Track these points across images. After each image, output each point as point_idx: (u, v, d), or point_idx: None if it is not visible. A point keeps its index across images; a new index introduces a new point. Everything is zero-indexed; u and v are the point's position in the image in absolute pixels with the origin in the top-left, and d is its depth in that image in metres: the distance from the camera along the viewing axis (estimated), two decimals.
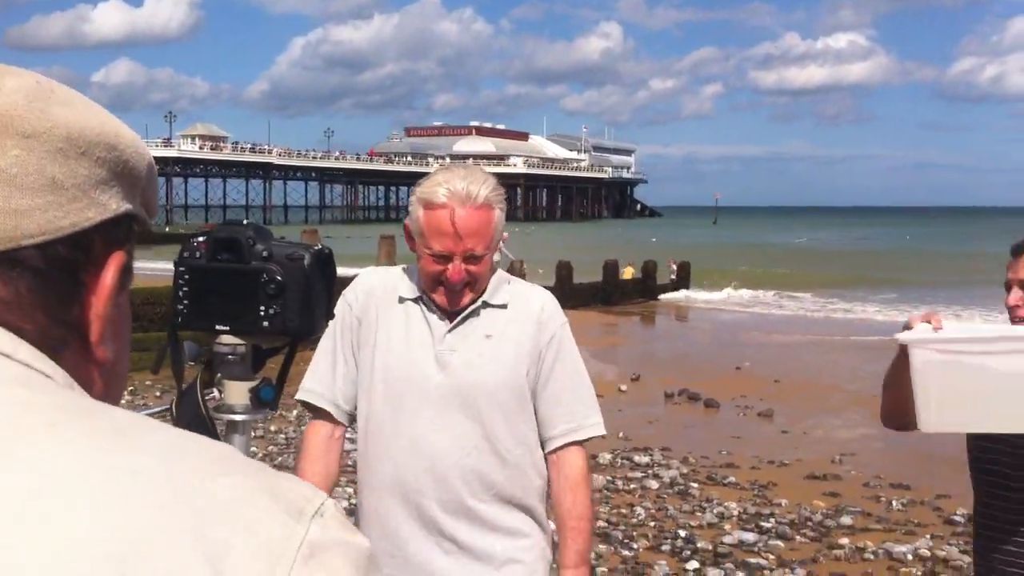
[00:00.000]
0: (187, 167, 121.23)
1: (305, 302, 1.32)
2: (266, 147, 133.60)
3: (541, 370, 2.49)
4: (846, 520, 7.59)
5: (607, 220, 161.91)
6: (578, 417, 2.52)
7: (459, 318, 2.46)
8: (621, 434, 10.60)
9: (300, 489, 0.66)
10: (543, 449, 2.53)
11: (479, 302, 2.47)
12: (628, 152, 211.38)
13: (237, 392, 1.39)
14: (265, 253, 1.32)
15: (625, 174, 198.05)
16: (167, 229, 74.44)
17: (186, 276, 1.35)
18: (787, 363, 17.01)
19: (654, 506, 7.95)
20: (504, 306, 2.49)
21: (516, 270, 24.80)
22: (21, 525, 0.58)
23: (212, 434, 1.35)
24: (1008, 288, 2.58)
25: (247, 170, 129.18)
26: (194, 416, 1.34)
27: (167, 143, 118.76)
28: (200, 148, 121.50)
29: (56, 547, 0.57)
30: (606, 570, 6.38)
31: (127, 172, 0.75)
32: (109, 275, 0.73)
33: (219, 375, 1.39)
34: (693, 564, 6.52)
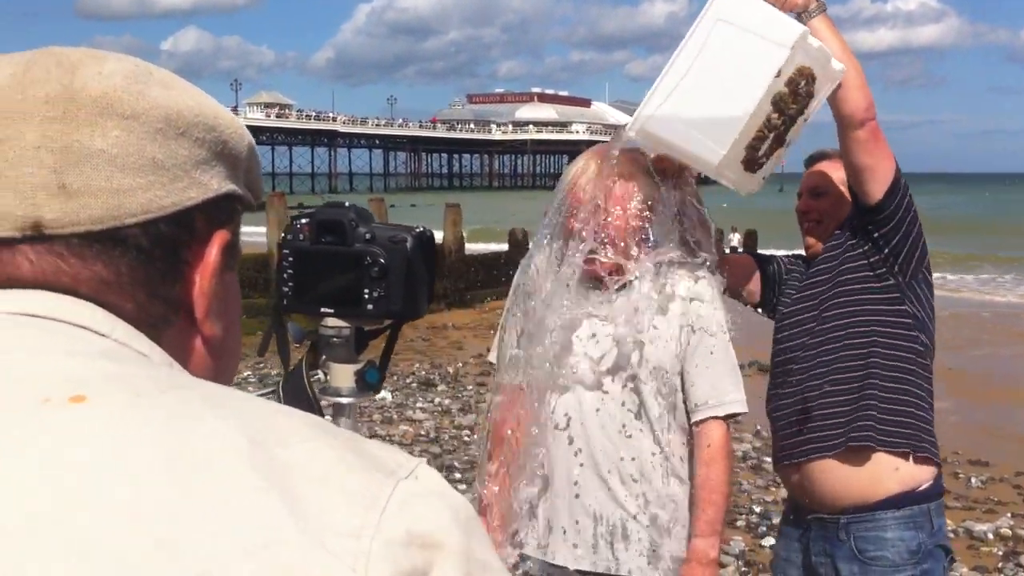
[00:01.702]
0: (253, 135, 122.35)
1: (408, 284, 1.31)
2: (330, 115, 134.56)
3: (687, 347, 2.60)
4: None
5: None
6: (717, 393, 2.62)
7: (612, 293, 2.58)
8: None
9: (393, 454, 0.67)
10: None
11: (629, 274, 2.58)
12: None
13: (343, 375, 1.39)
14: (368, 235, 1.32)
15: None
16: None
17: (290, 258, 1.35)
18: None
19: None
20: (654, 280, 2.59)
21: None
22: (103, 490, 0.58)
23: (319, 415, 1.34)
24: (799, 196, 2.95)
25: (312, 138, 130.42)
26: (300, 398, 1.33)
27: (234, 111, 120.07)
28: (266, 116, 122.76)
29: (131, 511, 0.58)
30: None
31: (227, 153, 0.76)
32: (213, 252, 0.74)
33: (324, 357, 1.38)
34: (769, 540, 6.43)
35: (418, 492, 0.63)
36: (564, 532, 2.60)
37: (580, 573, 2.60)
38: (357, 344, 1.36)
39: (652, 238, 2.55)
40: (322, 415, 1.33)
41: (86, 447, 0.60)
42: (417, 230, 1.31)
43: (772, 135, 2.42)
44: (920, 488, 2.68)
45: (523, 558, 2.62)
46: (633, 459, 2.56)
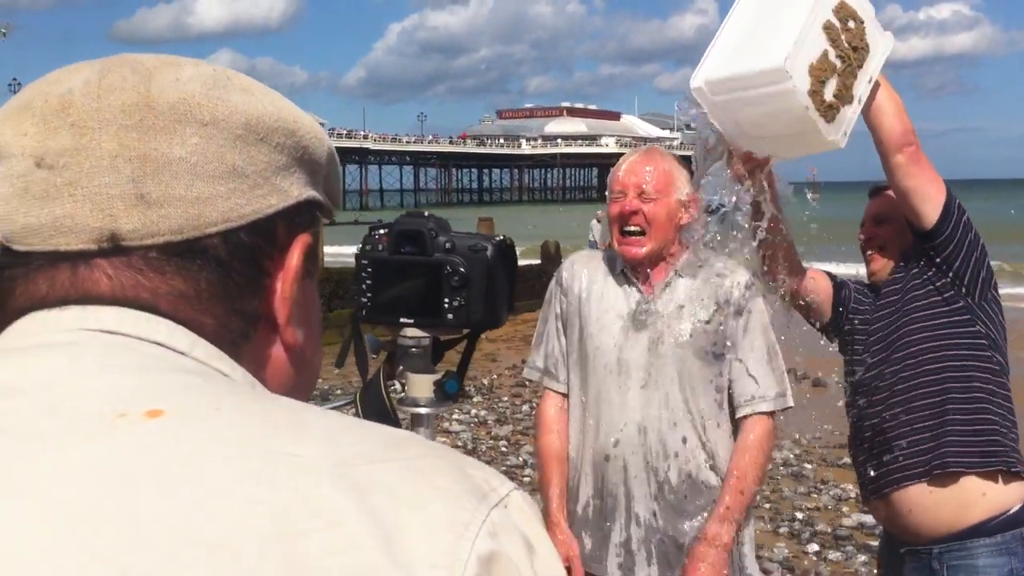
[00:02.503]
0: None
1: (489, 294, 1.30)
2: (361, 132, 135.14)
3: (730, 339, 2.65)
4: None
5: None
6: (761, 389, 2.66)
7: (655, 290, 2.65)
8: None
9: (487, 476, 0.63)
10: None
11: (672, 274, 2.66)
12: None
13: (421, 385, 1.38)
14: (448, 245, 1.31)
15: None
16: None
17: (369, 269, 1.35)
18: None
19: (768, 488, 7.82)
20: (699, 280, 2.65)
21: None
22: (182, 503, 0.56)
23: (397, 427, 1.35)
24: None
25: (343, 155, 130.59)
26: (379, 409, 1.33)
27: None
28: None
29: (213, 526, 0.56)
30: None
31: (307, 158, 0.74)
32: (295, 257, 0.72)
33: (401, 368, 1.37)
34: (813, 547, 6.39)
35: (505, 523, 0.60)
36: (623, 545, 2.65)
37: None
38: (434, 354, 1.37)
39: (692, 235, 2.61)
40: (399, 426, 1.33)
41: (158, 459, 0.58)
42: (497, 239, 1.31)
43: (836, 78, 2.33)
44: (1011, 512, 2.64)
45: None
46: (677, 455, 2.61)
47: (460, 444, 9.16)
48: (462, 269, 1.29)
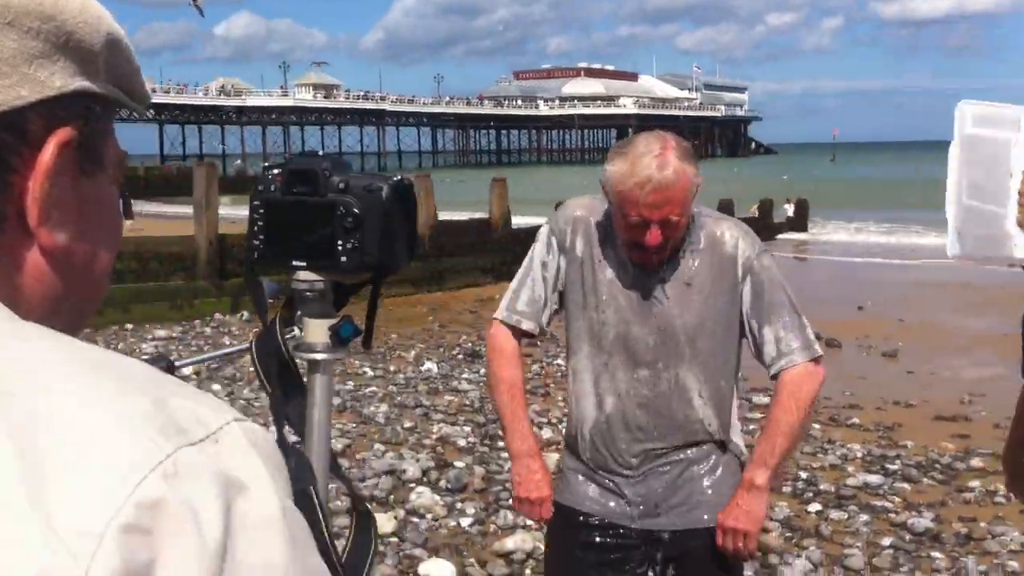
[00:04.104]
0: (302, 116, 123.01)
1: (384, 236, 1.24)
2: (378, 94, 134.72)
3: (744, 305, 2.59)
4: (976, 463, 7.29)
5: (720, 159, 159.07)
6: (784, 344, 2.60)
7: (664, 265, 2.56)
8: (741, 374, 10.36)
9: (196, 407, 0.57)
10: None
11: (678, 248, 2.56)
12: (741, 90, 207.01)
13: (317, 330, 1.32)
14: (342, 185, 1.24)
15: (738, 112, 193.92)
16: None
17: (261, 210, 1.28)
18: (911, 301, 16.46)
19: None
20: (701, 250, 2.57)
21: None
22: None
23: (294, 373, 1.29)
24: None
25: (361, 117, 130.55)
26: (274, 355, 1.27)
27: (284, 92, 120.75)
28: (314, 97, 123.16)
29: None
30: None
31: (74, 46, 0.67)
32: (48, 153, 0.65)
33: (299, 313, 1.31)
34: (815, 506, 6.34)
35: (196, 463, 0.53)
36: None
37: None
38: (337, 299, 1.30)
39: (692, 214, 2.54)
40: (298, 373, 1.27)
41: None
42: (394, 179, 1.25)
43: None
44: None
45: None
46: (683, 429, 2.62)
47: (468, 403, 9.16)
48: (356, 210, 1.22)
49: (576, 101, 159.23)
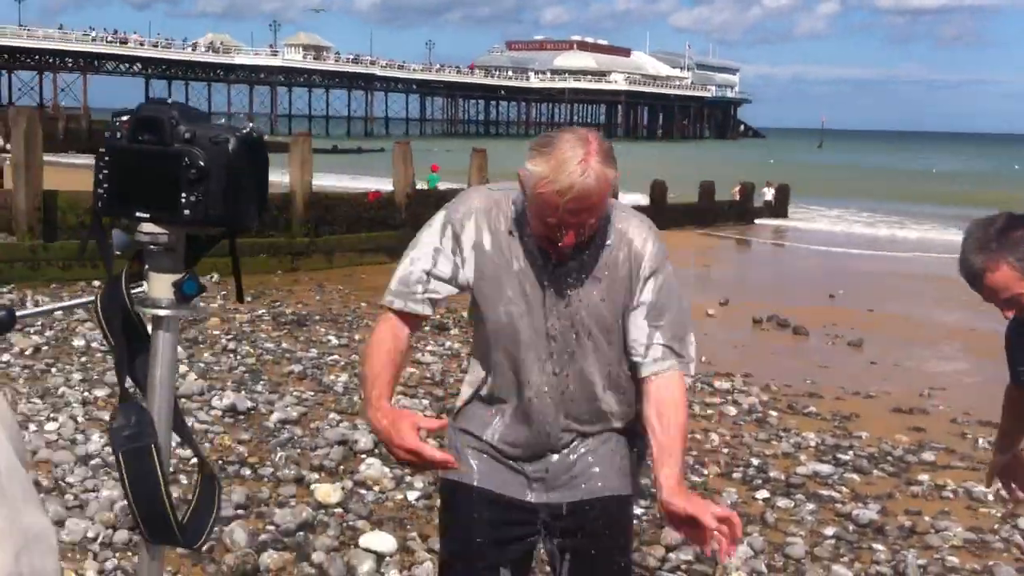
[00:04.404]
0: (290, 76, 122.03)
1: (230, 190, 1.17)
2: (369, 58, 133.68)
3: (640, 303, 2.56)
4: (928, 456, 7.30)
5: (708, 140, 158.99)
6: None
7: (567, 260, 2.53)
8: (704, 358, 10.36)
9: None
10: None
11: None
12: (732, 71, 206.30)
13: (161, 285, 1.26)
14: (188, 135, 1.17)
15: (729, 93, 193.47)
16: (266, 137, 75.29)
17: (107, 158, 1.21)
18: (883, 292, 16.50)
19: (729, 433, 7.76)
20: (609, 245, 2.54)
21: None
22: None
23: (139, 328, 1.23)
24: None
25: (350, 81, 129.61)
26: (120, 309, 1.21)
27: (273, 51, 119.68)
28: (303, 58, 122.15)
29: None
30: None
31: None
32: None
33: (147, 267, 1.25)
34: (763, 493, 6.33)
35: None
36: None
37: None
38: (189, 254, 1.24)
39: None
40: (144, 327, 1.22)
41: None
42: (242, 131, 1.18)
43: None
44: None
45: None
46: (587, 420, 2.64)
47: (429, 376, 9.10)
48: (201, 162, 1.16)
49: (567, 75, 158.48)
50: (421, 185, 21.83)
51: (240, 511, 5.39)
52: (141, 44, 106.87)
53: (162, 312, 1.27)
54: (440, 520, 2.95)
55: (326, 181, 27.13)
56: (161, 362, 1.23)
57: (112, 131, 1.22)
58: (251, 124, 1.17)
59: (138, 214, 1.23)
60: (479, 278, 2.55)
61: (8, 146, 16.88)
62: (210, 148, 1.17)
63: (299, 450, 6.55)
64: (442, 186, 22.53)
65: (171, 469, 6.09)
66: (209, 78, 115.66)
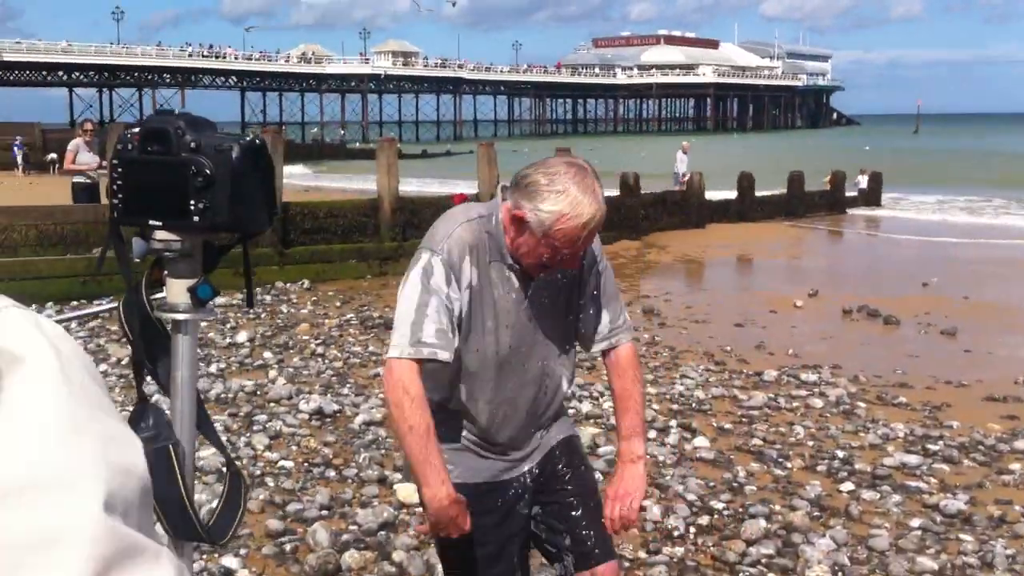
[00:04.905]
0: (380, 83, 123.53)
1: (236, 196, 1.24)
2: (456, 62, 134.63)
3: (595, 292, 2.92)
4: (1021, 445, 7.09)
5: (801, 130, 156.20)
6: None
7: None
8: (790, 351, 10.24)
9: None
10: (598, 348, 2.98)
11: None
12: (824, 58, 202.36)
13: (177, 290, 1.33)
14: (193, 144, 1.25)
15: (820, 81, 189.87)
16: (357, 145, 76.35)
17: (120, 169, 1.30)
18: (980, 280, 16.04)
19: (815, 425, 7.66)
20: None
21: (695, 182, 24.22)
22: None
23: (160, 332, 1.30)
24: None
25: (438, 85, 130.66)
26: (141, 315, 1.28)
27: (364, 59, 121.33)
28: (392, 64, 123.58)
29: None
30: (755, 488, 6.19)
31: None
32: None
33: (166, 272, 1.33)
34: (848, 486, 6.23)
35: None
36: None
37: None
38: (207, 260, 1.31)
39: None
40: (165, 332, 1.29)
41: None
42: (246, 139, 1.25)
43: None
44: None
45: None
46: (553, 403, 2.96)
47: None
48: (207, 170, 1.23)
49: (654, 70, 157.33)
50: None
51: (324, 512, 5.53)
52: (236, 58, 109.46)
53: (180, 316, 1.34)
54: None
55: (412, 187, 27.34)
56: (182, 363, 1.31)
57: (124, 143, 1.30)
58: (253, 133, 1.24)
59: (151, 222, 1.30)
60: (467, 313, 2.68)
61: (105, 163, 17.53)
62: (215, 156, 1.24)
63: (383, 451, 6.67)
64: None
65: (246, 472, 6.23)
66: (302, 88, 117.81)
